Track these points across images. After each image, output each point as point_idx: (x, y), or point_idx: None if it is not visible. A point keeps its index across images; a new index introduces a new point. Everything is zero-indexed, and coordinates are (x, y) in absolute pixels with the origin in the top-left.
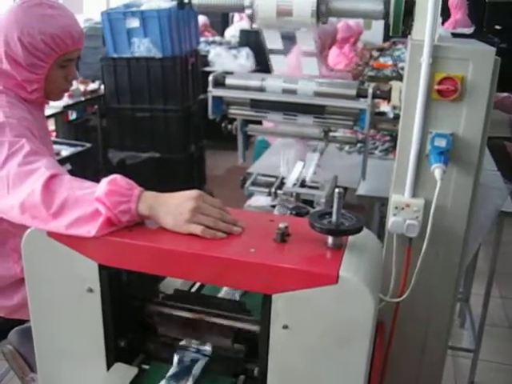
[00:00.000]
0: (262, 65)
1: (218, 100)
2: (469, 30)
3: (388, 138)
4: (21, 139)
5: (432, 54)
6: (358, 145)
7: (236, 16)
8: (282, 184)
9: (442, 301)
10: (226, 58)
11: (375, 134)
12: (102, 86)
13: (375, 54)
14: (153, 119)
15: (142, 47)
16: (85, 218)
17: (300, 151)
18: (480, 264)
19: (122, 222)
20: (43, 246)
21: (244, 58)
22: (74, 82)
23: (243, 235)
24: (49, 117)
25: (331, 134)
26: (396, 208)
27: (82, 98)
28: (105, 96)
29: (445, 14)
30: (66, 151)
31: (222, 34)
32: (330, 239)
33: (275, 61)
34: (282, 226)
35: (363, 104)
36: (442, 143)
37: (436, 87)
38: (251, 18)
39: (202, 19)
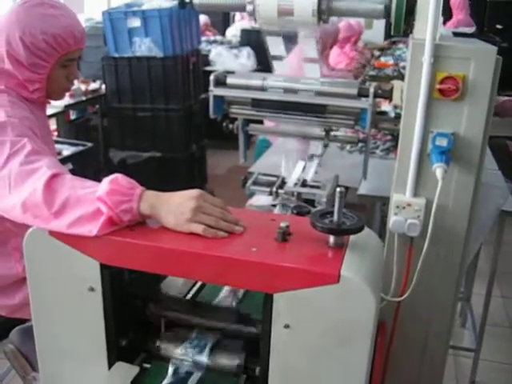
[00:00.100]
0: (263, 64)
1: (219, 99)
2: (470, 30)
3: (389, 137)
4: (22, 138)
5: (433, 53)
6: (359, 144)
7: (237, 15)
8: (283, 183)
9: (443, 300)
10: (227, 58)
11: (376, 133)
12: (103, 86)
13: (376, 53)
14: (154, 119)
15: (143, 47)
16: (86, 218)
17: (301, 151)
18: (481, 263)
19: (123, 221)
20: (45, 245)
21: (245, 58)
22: (75, 82)
23: (244, 234)
24: (50, 116)
25: (332, 133)
26: (397, 207)
27: (84, 98)
28: (106, 95)
29: (446, 14)
30: (67, 151)
31: (223, 34)
32: (331, 238)
33: (278, 66)
34: (283, 225)
35: (364, 103)
36: (443, 142)
37: (437, 86)
38: (252, 15)
39: (203, 18)
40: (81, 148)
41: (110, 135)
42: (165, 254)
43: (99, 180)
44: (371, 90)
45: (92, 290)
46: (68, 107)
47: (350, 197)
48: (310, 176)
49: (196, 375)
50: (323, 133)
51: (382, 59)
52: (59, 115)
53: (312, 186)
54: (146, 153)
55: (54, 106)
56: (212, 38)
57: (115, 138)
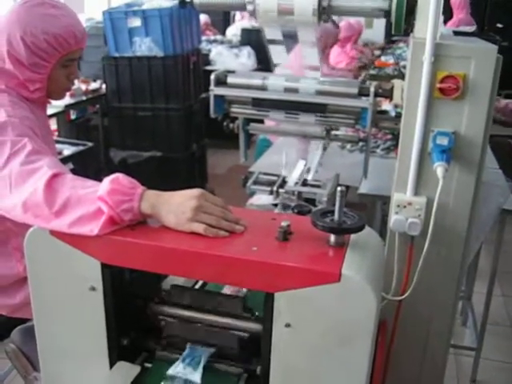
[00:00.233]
0: (264, 63)
1: (219, 99)
2: (470, 28)
3: (390, 136)
4: (23, 138)
5: (434, 52)
6: (360, 143)
7: (237, 15)
8: (283, 183)
9: (443, 299)
10: (227, 57)
11: (377, 132)
12: (104, 85)
13: (377, 52)
14: (154, 118)
15: (144, 46)
16: (87, 217)
17: (302, 150)
18: (482, 262)
19: (124, 220)
20: (46, 244)
21: (245, 57)
22: (76, 82)
23: (245, 234)
24: (50, 116)
25: (333, 132)
26: (398, 206)
27: (84, 98)
28: (106, 95)
29: (447, 13)
30: (67, 150)
31: (223, 33)
32: (332, 237)
33: (275, 51)
34: (284, 224)
35: (365, 102)
36: (444, 141)
37: (438, 85)
38: (253, 15)
39: (203, 18)
40: (81, 148)
41: (111, 135)
42: (166, 254)
43: (100, 180)
44: (372, 89)
45: (93, 289)
46: (68, 107)
47: (350, 196)
48: (310, 175)
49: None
50: (324, 132)
51: (383, 58)
52: (60, 115)
53: (313, 185)
54: (147, 152)
55: (55, 106)
56: (212, 38)
57: (116, 137)
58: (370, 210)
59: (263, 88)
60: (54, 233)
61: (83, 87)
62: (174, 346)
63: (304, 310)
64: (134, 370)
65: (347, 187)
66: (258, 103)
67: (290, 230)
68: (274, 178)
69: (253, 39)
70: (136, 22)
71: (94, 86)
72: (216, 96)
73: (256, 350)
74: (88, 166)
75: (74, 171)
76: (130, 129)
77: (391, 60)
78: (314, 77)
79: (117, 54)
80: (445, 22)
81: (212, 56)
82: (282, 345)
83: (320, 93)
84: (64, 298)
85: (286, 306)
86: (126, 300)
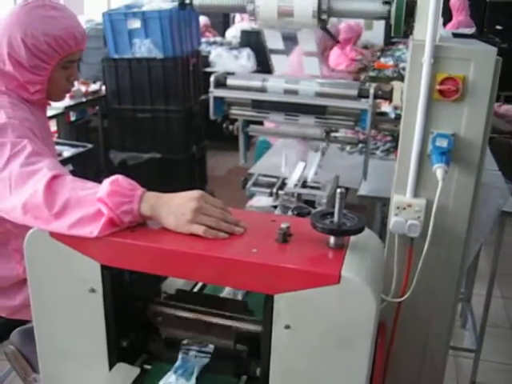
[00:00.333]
0: (263, 65)
1: (219, 101)
2: (470, 30)
3: (389, 138)
4: (23, 140)
5: (433, 54)
6: (360, 145)
7: (237, 16)
8: (283, 184)
9: (443, 301)
10: (226, 59)
11: (376, 134)
12: (104, 87)
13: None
14: (154, 120)
15: (143, 48)
16: (87, 219)
17: (301, 152)
18: (481, 264)
19: (124, 222)
20: (45, 246)
21: (245, 59)
22: (76, 83)
23: (245, 235)
24: (50, 118)
25: (333, 134)
26: (398, 208)
27: (84, 99)
28: (106, 97)
29: (446, 15)
30: (67, 152)
31: (222, 35)
32: (331, 239)
33: (276, 60)
34: (283, 226)
35: (365, 104)
36: (443, 143)
37: (437, 87)
38: (253, 16)
39: (203, 20)
40: (81, 149)
41: (110, 136)
42: (165, 255)
43: (100, 181)
44: (371, 91)
45: (93, 291)
46: (68, 108)
47: (350, 198)
48: (310, 177)
49: (202, 361)
50: (323, 134)
51: (382, 60)
52: (59, 116)
53: (312, 187)
54: (147, 154)
55: (55, 108)
56: (212, 39)
57: (115, 139)
58: (369, 211)
59: (263, 90)
60: (53, 234)
61: (83, 89)
62: (173, 347)
63: (304, 312)
64: (133, 371)
65: (347, 189)
66: (257, 105)
67: (290, 231)
68: (274, 179)
69: (252, 41)
70: (136, 24)
71: (93, 87)
72: (216, 98)
73: (256, 351)
74: (88, 168)
75: (73, 173)
76: (130, 130)
77: (391, 62)
78: (314, 77)
79: (116, 56)
80: (444, 24)
81: (211, 58)
82: (282, 346)
83: (319, 95)
84: (64, 299)
85: (286, 307)
86: (126, 302)
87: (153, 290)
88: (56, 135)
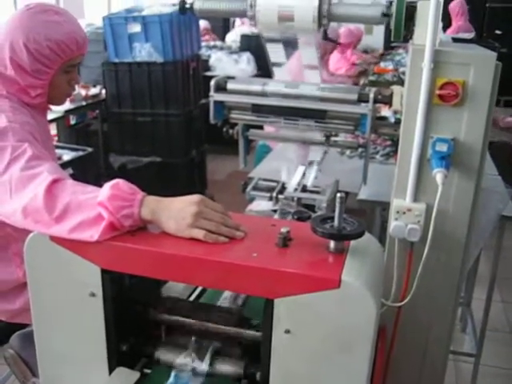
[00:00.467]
0: (263, 70)
1: (219, 105)
2: (469, 35)
3: (389, 142)
4: (23, 144)
5: (433, 59)
6: (359, 149)
7: (237, 21)
8: (283, 189)
9: (443, 305)
10: (226, 63)
11: (376, 138)
12: (104, 91)
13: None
14: (154, 124)
15: (144, 52)
16: (87, 223)
17: (301, 156)
18: (481, 268)
19: (124, 226)
20: (46, 250)
21: (245, 63)
22: (76, 87)
23: (245, 240)
24: (50, 121)
25: (332, 138)
26: (397, 212)
27: (84, 103)
28: (106, 100)
29: (446, 20)
30: (67, 156)
31: (223, 39)
32: (331, 244)
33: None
34: (283, 230)
35: (364, 109)
36: (443, 148)
37: (437, 92)
38: (253, 20)
39: (203, 24)
40: (81, 153)
41: (110, 140)
42: (166, 260)
43: (100, 185)
44: (371, 96)
45: (93, 295)
46: (68, 112)
47: (349, 202)
48: (309, 181)
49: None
50: (323, 138)
51: (382, 64)
52: (59, 120)
53: (312, 192)
54: (146, 158)
55: (55, 111)
56: (212, 44)
57: (115, 142)
58: (369, 216)
59: (263, 94)
60: (53, 238)
61: (83, 92)
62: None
63: (304, 316)
64: (133, 375)
65: (347, 193)
66: (257, 109)
67: (290, 236)
68: (274, 183)
69: (252, 45)
70: (136, 28)
71: (93, 91)
72: (216, 102)
73: (256, 356)
74: (87, 172)
75: (73, 176)
76: (130, 134)
77: (390, 66)
78: (314, 82)
79: (117, 60)
80: (444, 29)
81: (211, 62)
82: (282, 351)
83: (319, 99)
84: (64, 303)
85: (286, 312)
86: (126, 306)
87: (153, 295)
88: (56, 139)
